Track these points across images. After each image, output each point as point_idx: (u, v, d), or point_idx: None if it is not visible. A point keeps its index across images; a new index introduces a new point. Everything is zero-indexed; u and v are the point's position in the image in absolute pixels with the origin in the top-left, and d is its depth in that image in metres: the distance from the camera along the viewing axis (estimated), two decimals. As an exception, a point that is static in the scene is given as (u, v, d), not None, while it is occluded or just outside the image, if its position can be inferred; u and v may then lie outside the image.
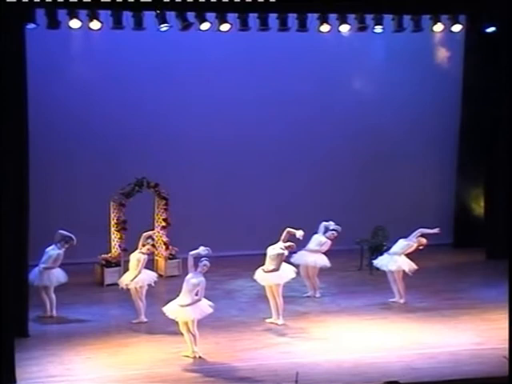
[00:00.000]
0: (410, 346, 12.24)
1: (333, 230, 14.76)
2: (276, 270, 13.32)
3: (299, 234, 13.72)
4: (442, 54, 18.01)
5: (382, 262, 14.69)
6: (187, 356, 11.85)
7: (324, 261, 14.87)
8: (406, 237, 14.53)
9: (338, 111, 17.99)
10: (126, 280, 13.47)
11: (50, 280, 13.77)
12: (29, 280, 13.27)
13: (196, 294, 11.75)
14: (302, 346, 12.37)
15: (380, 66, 18.01)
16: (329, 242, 14.79)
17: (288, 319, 13.51)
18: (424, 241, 14.44)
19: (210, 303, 11.99)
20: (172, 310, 11.90)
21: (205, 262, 11.90)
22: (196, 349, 11.86)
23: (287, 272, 13.52)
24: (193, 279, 11.76)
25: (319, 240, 14.81)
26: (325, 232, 14.84)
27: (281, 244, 13.47)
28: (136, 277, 13.33)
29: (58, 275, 13.88)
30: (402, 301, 14.47)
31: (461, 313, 13.78)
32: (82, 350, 12.18)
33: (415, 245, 14.42)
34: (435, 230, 14.43)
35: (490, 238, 17.66)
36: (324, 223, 14.90)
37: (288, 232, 13.64)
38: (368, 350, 12.07)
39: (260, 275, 13.58)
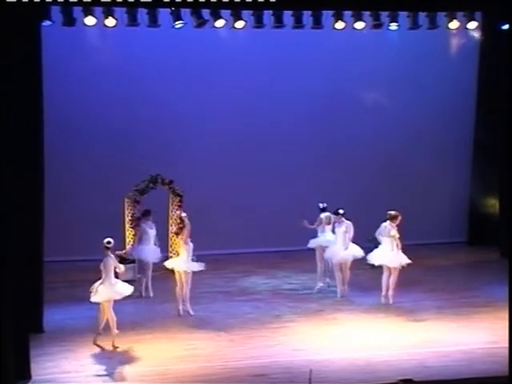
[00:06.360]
0: (424, 344, 12.22)
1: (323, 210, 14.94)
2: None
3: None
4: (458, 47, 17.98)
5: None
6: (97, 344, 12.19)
7: (359, 251, 14.66)
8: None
9: (352, 108, 17.97)
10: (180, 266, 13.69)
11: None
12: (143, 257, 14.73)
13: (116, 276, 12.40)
14: (315, 343, 12.37)
15: (395, 63, 17.98)
16: (349, 224, 14.57)
17: (301, 316, 13.55)
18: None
19: (130, 286, 12.45)
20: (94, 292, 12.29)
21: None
22: (116, 331, 12.22)
23: (355, 250, 14.34)
24: (106, 263, 12.26)
25: (341, 232, 14.56)
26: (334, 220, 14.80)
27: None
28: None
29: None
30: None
31: (475, 311, 13.76)
32: (96, 346, 12.24)
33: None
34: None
35: (504, 236, 17.59)
36: (321, 216, 14.92)
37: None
38: (381, 348, 12.05)
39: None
